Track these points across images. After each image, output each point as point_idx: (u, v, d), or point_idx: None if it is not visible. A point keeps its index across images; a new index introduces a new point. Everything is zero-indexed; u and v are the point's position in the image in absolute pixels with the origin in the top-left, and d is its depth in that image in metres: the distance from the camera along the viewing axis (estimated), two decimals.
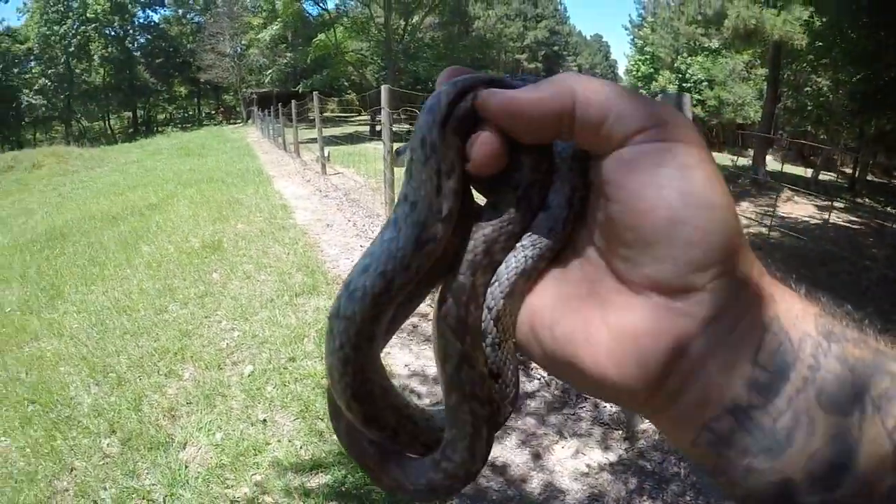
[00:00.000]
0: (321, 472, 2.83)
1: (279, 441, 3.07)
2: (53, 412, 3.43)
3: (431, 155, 0.31)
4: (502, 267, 0.34)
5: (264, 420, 3.26)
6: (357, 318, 0.31)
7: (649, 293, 0.29)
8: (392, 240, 0.31)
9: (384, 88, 6.14)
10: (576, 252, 0.35)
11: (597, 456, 2.90)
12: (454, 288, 0.34)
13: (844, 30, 15.08)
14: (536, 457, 2.89)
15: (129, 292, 5.30)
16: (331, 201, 9.17)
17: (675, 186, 0.28)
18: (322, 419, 3.22)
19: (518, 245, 0.35)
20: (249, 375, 3.72)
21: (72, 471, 2.92)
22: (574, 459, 2.88)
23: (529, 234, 0.34)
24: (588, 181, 0.33)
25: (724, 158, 22.76)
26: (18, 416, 3.39)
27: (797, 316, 0.29)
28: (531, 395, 3.41)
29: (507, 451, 2.94)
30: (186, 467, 2.89)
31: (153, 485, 2.78)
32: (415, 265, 0.31)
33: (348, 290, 0.32)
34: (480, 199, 0.37)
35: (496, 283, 0.34)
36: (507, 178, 0.34)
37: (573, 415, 3.23)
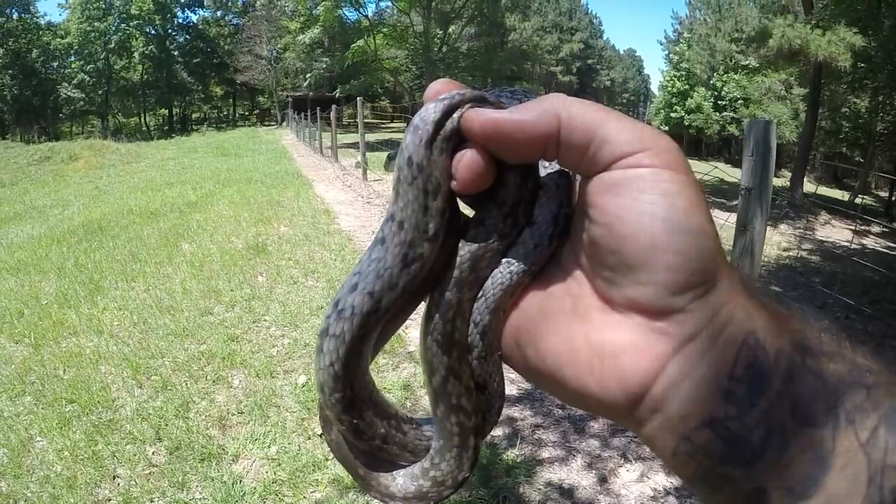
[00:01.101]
0: None
1: None
2: (94, 414, 3.23)
3: (418, 175, 0.31)
4: (488, 283, 0.35)
5: (321, 434, 3.01)
6: (346, 337, 0.33)
7: (630, 313, 0.30)
8: (380, 259, 0.33)
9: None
10: (560, 267, 0.35)
11: (661, 480, 2.77)
12: (441, 304, 0.34)
13: (893, 51, 14.76)
14: (602, 480, 2.78)
15: (172, 291, 5.11)
16: (374, 208, 8.99)
17: (656, 213, 0.29)
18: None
19: (504, 261, 0.35)
20: (303, 386, 3.49)
21: (114, 478, 2.70)
22: (640, 483, 2.75)
23: (515, 249, 0.35)
24: (574, 199, 0.34)
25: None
26: (56, 417, 3.18)
27: (774, 331, 0.29)
28: (594, 417, 3.21)
29: (573, 473, 2.81)
30: (241, 481, 2.67)
31: (205, 499, 2.56)
32: (402, 284, 0.33)
33: (337, 308, 0.33)
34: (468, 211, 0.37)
35: (482, 299, 0.35)
36: (493, 195, 0.34)
37: (636, 437, 2.97)
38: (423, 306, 0.38)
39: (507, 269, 0.35)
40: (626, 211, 0.29)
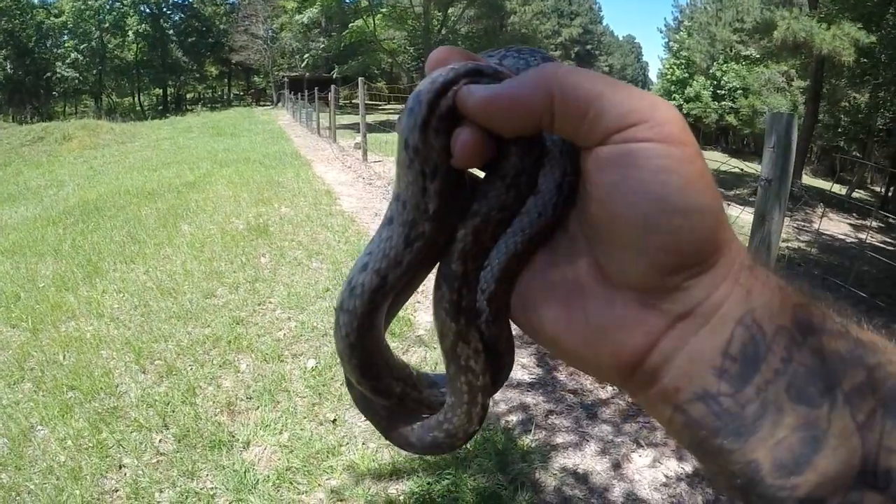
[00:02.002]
0: (403, 478, 2.56)
1: (352, 443, 2.78)
2: (96, 401, 3.13)
3: (414, 157, 0.32)
4: (493, 252, 0.35)
5: (334, 420, 2.97)
6: (358, 312, 0.35)
7: (625, 289, 0.31)
8: (388, 239, 0.34)
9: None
10: (567, 235, 0.35)
11: (674, 465, 2.75)
12: (447, 275, 0.35)
13: None
14: (616, 466, 2.75)
15: (173, 273, 5.02)
16: (375, 189, 8.89)
17: (649, 192, 0.28)
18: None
19: (508, 231, 0.35)
20: (313, 370, 3.41)
21: (121, 468, 2.62)
22: (652, 469, 2.73)
23: (519, 219, 0.35)
24: (579, 166, 0.33)
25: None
26: (58, 404, 3.09)
27: (776, 309, 0.29)
28: (605, 403, 3.23)
29: (587, 459, 2.78)
30: (253, 469, 2.59)
31: (216, 488, 2.49)
32: (406, 261, 0.34)
33: (350, 286, 0.35)
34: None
35: (488, 268, 0.36)
36: (495, 167, 0.34)
37: (647, 423, 3.06)
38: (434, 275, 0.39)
39: (511, 240, 0.35)
40: (619, 189, 0.29)
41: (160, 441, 2.80)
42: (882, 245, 12.17)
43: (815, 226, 12.60)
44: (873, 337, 0.28)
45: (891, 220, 14.73)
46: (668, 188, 0.28)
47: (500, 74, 0.32)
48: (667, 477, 2.67)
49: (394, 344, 3.65)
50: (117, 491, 2.49)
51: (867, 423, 0.26)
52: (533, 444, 2.84)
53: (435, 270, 0.38)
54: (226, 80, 58.41)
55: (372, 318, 0.36)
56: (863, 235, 12.57)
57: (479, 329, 0.37)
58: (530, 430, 2.94)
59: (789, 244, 9.71)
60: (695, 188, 0.28)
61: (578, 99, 0.29)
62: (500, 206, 0.34)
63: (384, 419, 0.43)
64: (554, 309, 0.34)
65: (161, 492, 2.47)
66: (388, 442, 2.32)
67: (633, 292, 0.30)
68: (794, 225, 12.11)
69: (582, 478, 2.66)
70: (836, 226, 13.36)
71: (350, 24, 27.73)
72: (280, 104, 40.67)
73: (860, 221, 14.31)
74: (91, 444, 2.76)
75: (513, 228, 0.35)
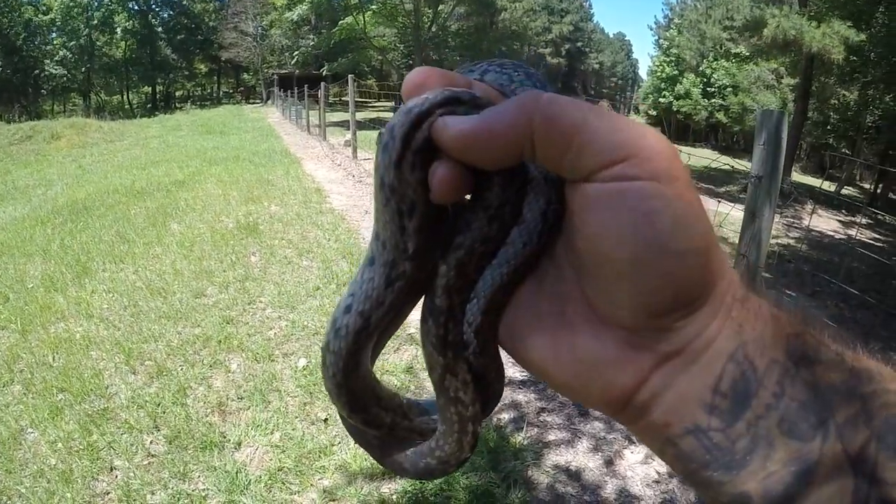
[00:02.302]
0: (395, 477, 2.56)
1: (344, 442, 2.78)
2: (86, 402, 3.12)
3: (391, 196, 0.31)
4: (479, 284, 0.35)
5: (325, 419, 2.97)
6: (343, 353, 0.35)
7: (613, 327, 0.30)
8: (370, 280, 0.34)
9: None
10: (554, 264, 0.34)
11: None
12: (433, 309, 0.35)
13: (893, 46, 14.91)
14: (608, 462, 2.77)
15: (163, 272, 4.99)
16: (365, 187, 8.88)
17: (639, 234, 0.27)
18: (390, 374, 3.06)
19: (493, 262, 0.34)
20: (304, 369, 3.41)
21: (112, 470, 2.61)
22: (644, 465, 2.75)
23: (504, 249, 0.34)
24: (563, 194, 0.32)
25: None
26: (47, 406, 3.07)
27: (768, 341, 0.28)
28: None
29: (579, 455, 2.80)
30: (244, 470, 2.58)
31: (208, 489, 2.48)
32: (388, 301, 0.34)
33: (335, 327, 0.35)
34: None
35: (475, 300, 0.35)
36: (477, 198, 0.33)
37: None
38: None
39: (497, 271, 0.34)
40: (607, 230, 0.28)
41: (151, 442, 2.79)
42: (871, 241, 12.26)
43: (805, 222, 12.65)
44: (870, 364, 0.28)
45: (880, 217, 14.83)
46: (658, 230, 0.27)
47: (478, 101, 0.31)
48: (659, 473, 2.68)
49: (387, 343, 3.65)
50: (109, 494, 2.48)
51: (860, 454, 0.25)
52: (525, 442, 2.85)
53: (421, 303, 0.37)
54: (215, 77, 58.06)
55: (357, 357, 0.36)
56: (852, 232, 12.64)
57: (467, 361, 0.36)
58: (522, 428, 2.94)
59: (779, 241, 9.75)
60: (686, 228, 0.27)
61: (561, 132, 0.28)
62: (483, 238, 0.34)
63: (377, 448, 0.43)
64: (542, 340, 0.33)
65: (153, 494, 2.46)
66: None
67: (622, 330, 0.30)
68: (784, 222, 12.15)
69: (574, 475, 2.67)
70: (826, 222, 13.44)
71: (340, 22, 27.60)
72: (270, 102, 40.49)
73: (849, 218, 14.40)
74: (82, 447, 2.74)
75: (498, 260, 0.34)
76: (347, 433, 0.46)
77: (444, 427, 0.39)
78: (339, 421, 2.95)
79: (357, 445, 2.70)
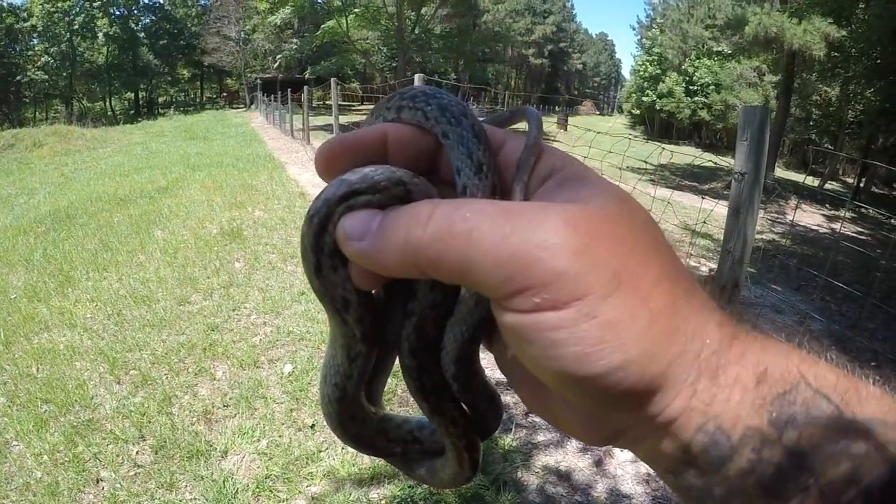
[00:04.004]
0: (384, 482, 2.56)
1: (332, 448, 2.77)
2: (71, 413, 3.09)
3: (323, 298, 0.33)
4: (446, 338, 0.36)
5: (312, 425, 2.95)
6: (333, 415, 0.39)
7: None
8: (333, 356, 0.38)
9: (417, 77, 6.00)
10: None
11: None
12: (405, 367, 0.36)
13: (873, 42, 15.07)
14: (598, 462, 2.78)
15: (146, 280, 4.95)
16: None
17: (549, 366, 0.26)
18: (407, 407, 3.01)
19: (452, 319, 0.35)
20: (290, 375, 3.39)
21: (98, 482, 2.58)
22: (635, 464, 2.76)
23: (458, 307, 0.35)
24: None
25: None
26: (32, 418, 3.03)
27: (746, 409, 0.26)
28: None
29: (569, 456, 2.81)
30: (232, 479, 2.57)
31: (196, 499, 2.46)
32: (355, 374, 0.37)
33: (321, 394, 0.39)
34: None
35: (444, 351, 0.36)
36: None
37: None
38: None
39: (457, 329, 0.35)
40: (522, 356, 0.28)
41: (137, 453, 2.76)
42: (855, 235, 12.35)
43: (789, 217, 12.73)
44: (876, 410, 0.26)
45: (863, 210, 14.97)
46: (566, 362, 0.25)
47: (376, 183, 0.30)
48: (649, 471, 2.68)
49: None
50: None
51: None
52: (514, 444, 2.84)
53: None
54: (198, 82, 57.77)
55: (348, 412, 0.39)
56: (836, 226, 12.74)
57: (452, 399, 0.38)
58: (511, 430, 2.94)
59: (763, 236, 9.80)
60: (600, 350, 0.25)
61: (448, 273, 0.27)
62: (430, 304, 0.34)
63: (399, 460, 0.45)
64: (526, 391, 0.34)
65: None
66: None
67: (584, 412, 0.30)
68: (769, 217, 12.20)
69: (564, 475, 2.67)
70: (810, 217, 13.53)
71: (322, 25, 27.55)
72: (253, 106, 40.36)
73: (833, 212, 14.51)
74: (67, 459, 2.72)
75: (455, 318, 0.35)
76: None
77: (445, 453, 0.41)
78: (326, 427, 2.94)
79: (345, 450, 2.70)
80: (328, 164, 0.32)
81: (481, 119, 0.36)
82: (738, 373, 0.27)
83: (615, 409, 0.28)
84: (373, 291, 0.35)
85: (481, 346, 0.38)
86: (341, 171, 0.31)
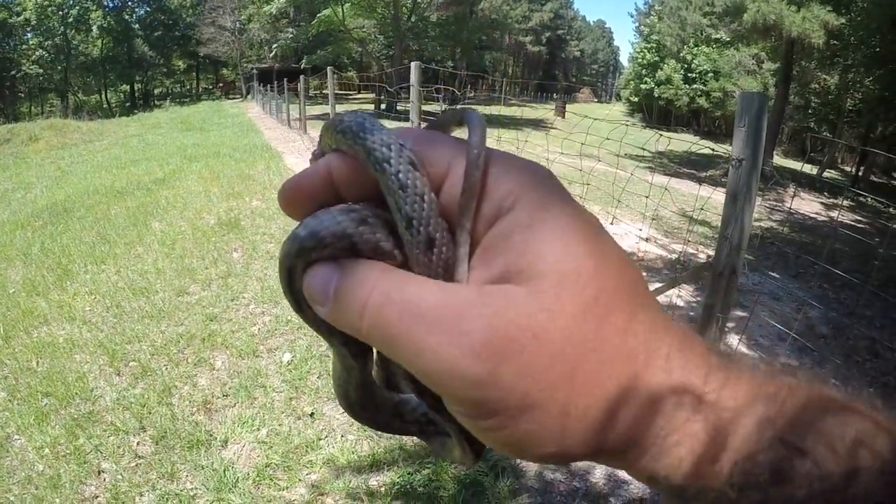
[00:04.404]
0: (383, 469, 2.58)
1: (331, 436, 2.79)
2: (72, 406, 3.10)
3: (311, 326, 0.33)
4: None
5: (311, 413, 2.97)
6: (346, 407, 0.40)
7: None
8: (334, 363, 0.39)
9: (414, 65, 5.90)
10: None
11: None
12: (385, 385, 0.39)
13: (872, 30, 15.01)
14: None
15: (145, 272, 4.95)
16: None
17: (497, 446, 0.27)
18: None
19: None
20: (289, 364, 3.40)
21: (100, 474, 2.59)
22: None
23: None
24: None
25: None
26: (33, 412, 3.04)
27: (724, 470, 0.25)
28: None
29: None
30: (232, 468, 2.58)
31: (196, 488, 2.47)
32: (354, 382, 0.38)
33: (338, 400, 0.40)
34: None
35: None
36: None
37: None
38: None
39: None
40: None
41: (138, 444, 2.77)
42: (853, 223, 12.36)
43: (787, 205, 12.73)
44: (876, 444, 0.24)
45: (861, 198, 14.96)
46: (510, 448, 0.27)
47: (322, 239, 0.29)
48: None
49: None
50: (97, 497, 2.47)
51: None
52: None
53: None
54: (194, 73, 57.44)
55: (360, 403, 0.39)
56: (834, 214, 12.74)
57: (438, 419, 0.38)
58: None
59: (762, 223, 9.81)
60: (534, 447, 0.26)
61: (385, 342, 0.27)
62: None
63: (417, 435, 0.44)
64: None
65: (141, 496, 2.45)
66: (366, 432, 2.33)
67: None
68: (767, 205, 12.20)
69: None
70: (808, 205, 13.52)
71: (318, 14, 27.41)
72: (249, 96, 40.22)
73: (831, 200, 14.51)
74: (69, 451, 2.73)
75: None
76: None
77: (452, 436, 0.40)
78: (326, 414, 2.96)
79: (344, 438, 2.71)
80: (288, 209, 0.31)
81: (424, 126, 0.34)
82: (723, 432, 0.26)
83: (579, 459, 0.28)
84: None
85: None
86: (303, 213, 0.30)
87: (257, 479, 2.51)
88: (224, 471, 2.54)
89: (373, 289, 0.27)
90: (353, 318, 0.27)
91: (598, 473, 2.62)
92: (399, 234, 0.30)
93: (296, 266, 0.30)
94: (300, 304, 0.31)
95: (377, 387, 0.40)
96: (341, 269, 0.28)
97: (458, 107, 0.39)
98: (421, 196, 0.29)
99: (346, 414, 0.44)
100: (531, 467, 2.63)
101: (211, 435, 2.80)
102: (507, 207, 0.27)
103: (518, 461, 2.65)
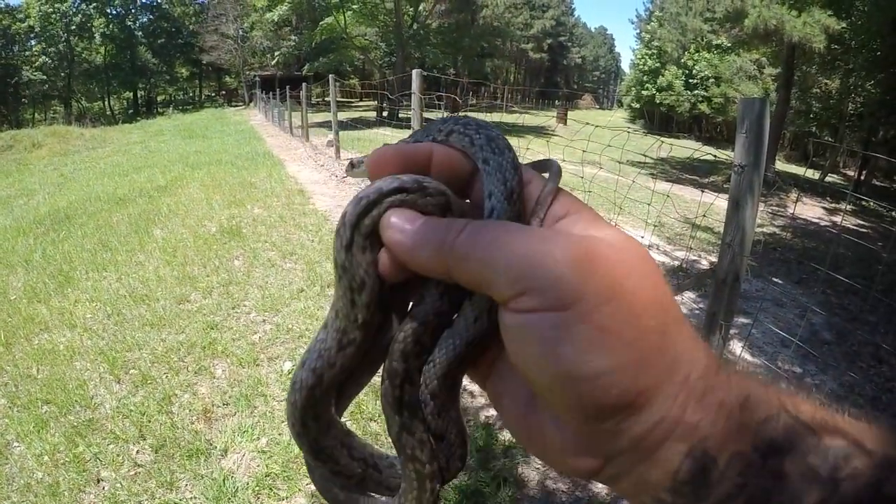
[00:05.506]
0: None
1: None
2: (72, 414, 3.08)
3: (343, 274, 0.34)
4: (436, 351, 0.37)
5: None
6: (298, 404, 0.37)
7: (562, 423, 0.31)
8: (322, 340, 0.37)
9: (415, 73, 5.94)
10: None
11: None
12: (390, 371, 0.37)
13: (873, 34, 15.02)
14: None
15: (146, 280, 4.94)
16: (348, 187, 8.84)
17: (546, 364, 0.28)
18: (375, 421, 2.95)
19: (448, 332, 0.36)
20: (289, 372, 3.39)
21: (99, 482, 2.58)
22: None
23: (457, 321, 0.36)
24: None
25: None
26: (33, 419, 3.03)
27: (732, 434, 0.28)
28: None
29: None
30: (232, 477, 2.56)
31: (196, 498, 2.46)
32: (339, 363, 0.36)
33: (292, 381, 0.38)
34: None
35: (431, 364, 0.37)
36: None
37: None
38: None
39: (450, 342, 0.36)
40: (520, 358, 0.30)
41: (137, 452, 2.76)
42: (856, 228, 12.33)
43: (790, 210, 12.71)
44: (858, 437, 0.27)
45: (864, 203, 14.93)
46: (562, 359, 0.28)
47: (426, 190, 0.34)
48: None
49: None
50: None
51: None
52: (514, 439, 2.83)
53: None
54: (197, 81, 57.68)
55: (314, 409, 0.37)
56: (837, 219, 12.72)
57: (424, 421, 0.38)
58: None
59: (764, 229, 9.80)
60: (593, 352, 0.28)
61: (470, 272, 0.30)
62: (436, 311, 0.36)
63: (343, 502, 0.43)
64: (516, 419, 0.35)
65: None
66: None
67: (570, 427, 0.31)
68: (769, 210, 12.19)
69: None
70: (811, 210, 13.50)
71: (321, 22, 27.51)
72: (252, 104, 40.36)
73: (834, 205, 14.48)
74: (68, 459, 2.71)
75: (452, 330, 0.36)
76: (314, 486, 0.45)
77: (404, 484, 0.40)
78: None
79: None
80: (378, 165, 0.35)
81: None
82: (723, 398, 0.29)
83: (605, 421, 0.29)
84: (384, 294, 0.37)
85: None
86: (388, 173, 0.35)
87: (257, 488, 2.50)
88: (223, 480, 2.52)
89: (469, 222, 0.32)
90: (442, 240, 0.31)
91: (601, 484, 2.59)
92: (486, 208, 0.35)
93: (381, 202, 0.33)
94: (353, 240, 0.34)
95: (333, 411, 0.40)
96: (428, 217, 0.33)
97: (542, 158, 0.45)
98: (522, 180, 0.36)
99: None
100: (533, 477, 2.61)
101: (211, 444, 2.79)
102: (573, 211, 0.35)
103: (520, 470, 2.63)
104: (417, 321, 0.36)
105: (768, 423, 0.28)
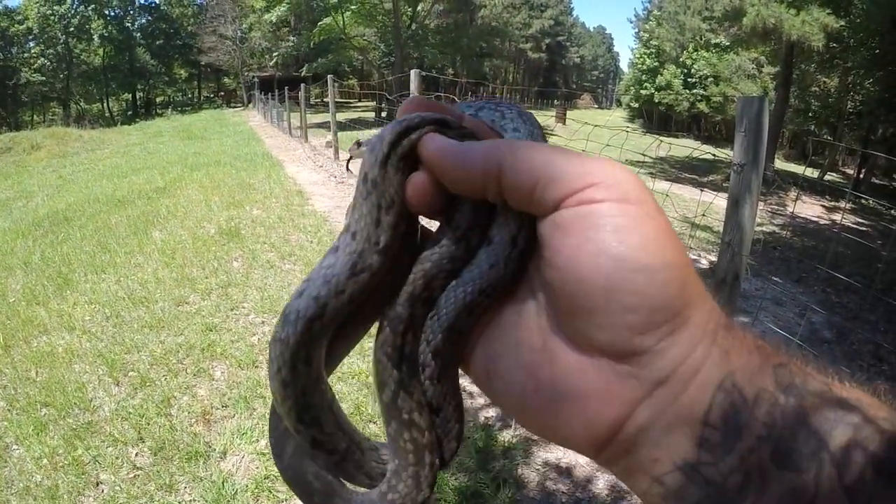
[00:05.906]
0: None
1: None
2: (70, 416, 3.07)
3: (372, 190, 0.32)
4: (442, 300, 0.34)
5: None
6: (290, 341, 0.32)
7: (596, 356, 0.29)
8: (329, 266, 0.33)
9: (414, 73, 5.95)
10: (533, 295, 0.34)
11: None
12: (392, 317, 0.34)
13: (871, 32, 15.04)
14: None
15: (145, 281, 4.94)
16: (347, 188, 8.84)
17: (610, 251, 0.28)
18: (375, 422, 2.95)
19: (458, 280, 0.34)
20: None
21: (98, 485, 2.57)
22: None
23: (470, 269, 0.34)
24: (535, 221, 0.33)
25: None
26: (32, 422, 3.02)
27: (755, 370, 0.28)
28: None
29: (569, 452, 2.75)
30: (231, 479, 2.56)
31: (195, 500, 2.45)
32: (349, 291, 0.32)
33: (284, 313, 0.32)
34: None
35: (435, 317, 0.35)
36: (448, 217, 0.35)
37: None
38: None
39: (461, 289, 0.34)
40: (579, 251, 0.28)
41: (136, 455, 2.75)
42: (855, 226, 12.34)
43: (789, 209, 12.72)
44: (857, 394, 0.27)
45: (863, 201, 14.94)
46: (628, 247, 0.27)
47: (465, 130, 0.34)
48: None
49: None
50: None
51: (856, 484, 0.24)
52: (514, 440, 2.83)
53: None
54: (195, 82, 57.74)
55: (308, 349, 0.32)
56: (836, 217, 12.72)
57: (422, 384, 0.36)
58: (510, 425, 2.93)
59: (763, 228, 9.80)
60: (656, 245, 0.28)
61: (530, 167, 0.30)
62: (450, 256, 0.34)
63: (319, 494, 0.37)
64: (520, 377, 0.33)
65: None
66: None
67: (606, 360, 0.29)
68: (768, 209, 12.20)
69: (565, 471, 2.65)
70: (810, 208, 13.52)
71: (319, 22, 27.51)
72: (251, 105, 40.36)
73: (833, 203, 14.50)
74: (67, 462, 2.70)
75: (463, 278, 0.34)
76: (281, 476, 0.39)
77: (396, 461, 0.36)
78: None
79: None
80: (414, 108, 0.35)
81: None
82: (744, 335, 0.29)
83: (652, 332, 0.28)
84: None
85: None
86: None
87: (256, 490, 2.49)
88: (223, 483, 2.52)
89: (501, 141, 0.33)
90: (489, 149, 0.31)
91: (602, 484, 2.59)
92: None
93: (422, 126, 0.33)
94: (388, 157, 0.32)
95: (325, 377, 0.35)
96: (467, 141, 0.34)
97: None
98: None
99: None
100: (533, 478, 2.61)
101: (210, 446, 2.78)
102: None
103: (519, 471, 2.63)
104: (431, 263, 0.34)
105: (784, 366, 0.28)
